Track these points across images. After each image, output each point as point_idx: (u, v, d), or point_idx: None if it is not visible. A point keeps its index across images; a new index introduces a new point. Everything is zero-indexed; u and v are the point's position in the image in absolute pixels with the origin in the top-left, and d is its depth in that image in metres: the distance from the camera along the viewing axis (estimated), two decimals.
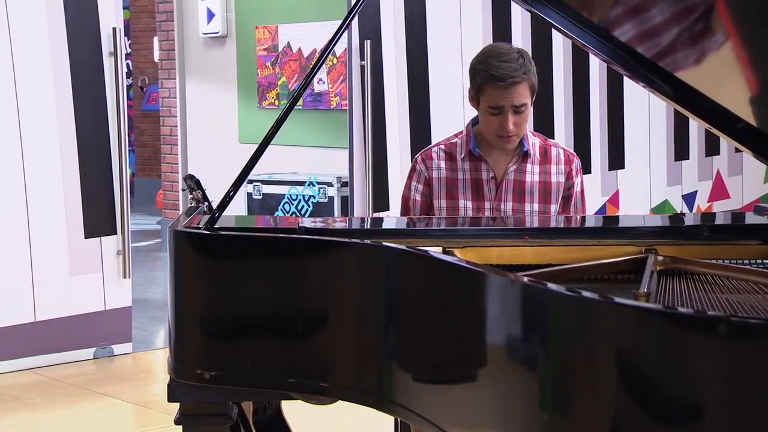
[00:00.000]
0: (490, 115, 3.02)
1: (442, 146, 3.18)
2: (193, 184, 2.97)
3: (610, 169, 6.87)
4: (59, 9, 5.04)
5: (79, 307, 5.19)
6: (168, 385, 2.36)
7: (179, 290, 2.34)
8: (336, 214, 6.61)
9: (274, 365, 2.24)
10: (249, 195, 7.03)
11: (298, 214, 6.80)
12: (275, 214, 6.87)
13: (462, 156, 3.12)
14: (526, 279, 1.82)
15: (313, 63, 2.55)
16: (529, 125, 6.24)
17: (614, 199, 6.90)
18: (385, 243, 2.15)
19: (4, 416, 4.45)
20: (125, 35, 12.04)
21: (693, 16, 2.41)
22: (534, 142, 3.15)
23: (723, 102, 2.52)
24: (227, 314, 2.29)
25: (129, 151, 12.17)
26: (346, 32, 5.65)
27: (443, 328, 1.98)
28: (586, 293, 1.69)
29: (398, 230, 2.71)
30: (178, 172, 8.35)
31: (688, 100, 2.55)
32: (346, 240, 2.23)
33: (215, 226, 2.38)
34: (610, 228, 2.78)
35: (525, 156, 3.11)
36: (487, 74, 2.98)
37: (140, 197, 11.85)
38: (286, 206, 6.87)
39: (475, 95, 3.05)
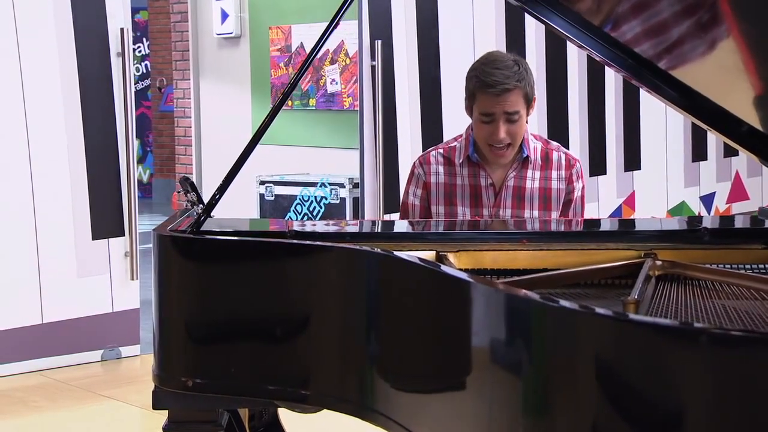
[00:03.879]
0: (482, 123, 2.96)
1: (441, 150, 3.13)
2: (188, 186, 2.94)
3: (625, 170, 6.79)
4: (67, 9, 5.02)
5: (87, 308, 5.17)
6: (153, 392, 2.33)
7: (163, 294, 2.30)
8: (348, 216, 6.57)
9: (255, 372, 2.20)
10: (261, 196, 7.00)
11: (310, 215, 6.76)
12: (287, 216, 6.84)
13: (460, 161, 3.07)
14: (508, 287, 1.77)
15: (302, 61, 2.50)
16: (543, 126, 6.22)
17: (630, 201, 6.82)
18: (365, 247, 2.10)
19: (9, 419, 4.43)
20: (144, 36, 12.07)
21: (697, 17, 2.36)
22: (535, 146, 3.08)
23: (726, 105, 2.46)
24: (209, 319, 2.26)
25: (147, 152, 12.24)
26: (357, 32, 5.63)
27: (424, 336, 1.93)
28: (566, 303, 1.63)
29: (392, 234, 2.66)
30: (192, 173, 8.34)
31: (692, 103, 2.49)
32: (327, 244, 2.18)
33: (201, 229, 2.34)
34: (609, 232, 2.72)
35: (525, 162, 3.05)
36: (479, 81, 2.93)
37: (158, 198, 11.87)
38: (298, 207, 6.83)
39: (468, 102, 3.00)
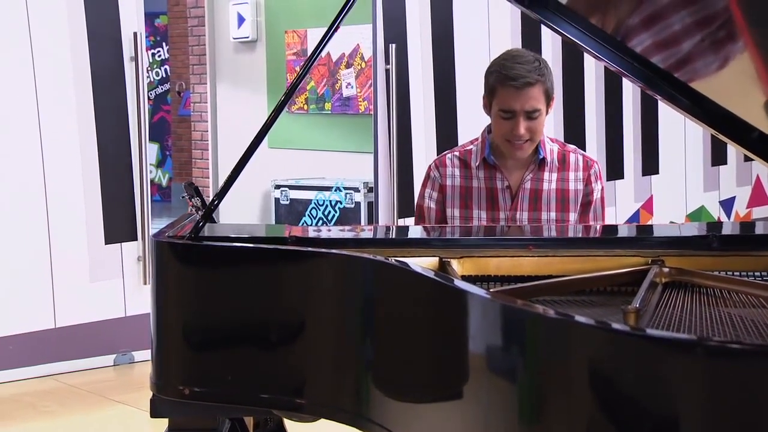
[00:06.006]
0: (501, 119, 2.92)
1: (457, 153, 3.09)
2: (192, 191, 2.92)
3: (643, 174, 6.72)
4: (80, 14, 5.01)
5: (100, 313, 5.15)
6: (150, 400, 2.31)
7: (160, 301, 2.28)
8: (362, 220, 6.54)
9: (252, 381, 2.17)
10: (276, 200, 6.98)
11: (324, 219, 6.74)
12: (302, 220, 6.82)
13: (477, 164, 3.03)
14: (503, 297, 1.73)
15: (304, 62, 2.46)
16: (559, 129, 6.15)
17: (648, 205, 6.75)
18: (360, 254, 2.07)
19: (19, 424, 4.42)
20: (164, 41, 12.08)
21: (708, 24, 2.32)
22: (552, 148, 3.04)
23: (737, 111, 2.42)
24: (206, 327, 2.23)
25: (167, 156, 12.25)
26: (371, 36, 5.60)
27: (420, 344, 1.90)
28: (559, 313, 1.59)
29: (395, 240, 2.62)
30: (209, 177, 8.33)
31: (704, 110, 2.45)
32: (321, 250, 2.14)
33: (201, 235, 2.31)
34: (616, 238, 2.67)
35: (542, 164, 3.01)
36: (500, 74, 2.89)
37: (177, 202, 11.88)
38: (313, 212, 6.81)
39: (488, 98, 2.96)
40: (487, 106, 2.98)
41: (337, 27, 2.39)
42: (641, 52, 2.44)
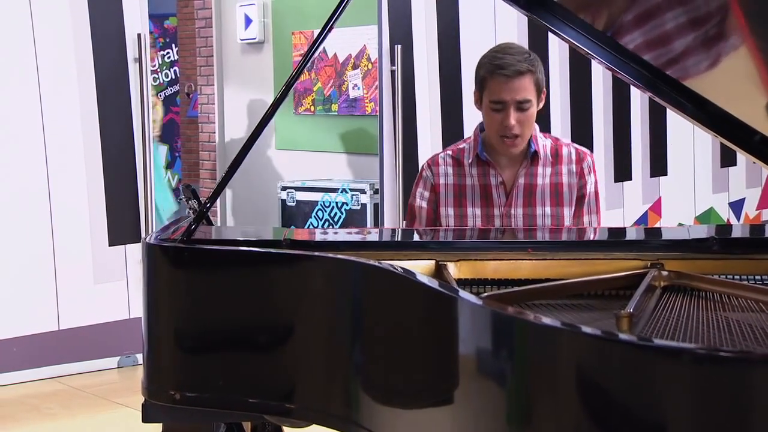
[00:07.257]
0: (492, 111, 2.91)
1: (450, 152, 3.08)
2: (190, 193, 2.91)
3: (652, 176, 6.67)
4: (84, 15, 5.01)
5: (103, 315, 5.14)
6: (142, 405, 2.29)
7: (152, 304, 2.26)
8: (368, 222, 6.51)
9: (243, 386, 2.14)
10: (283, 202, 6.96)
11: (331, 221, 6.71)
12: (308, 222, 6.80)
13: (469, 161, 3.01)
14: (492, 302, 1.70)
15: (300, 62, 2.44)
16: (566, 129, 6.10)
17: (656, 207, 6.70)
18: (349, 257, 2.04)
19: (23, 426, 4.41)
20: (173, 42, 12.07)
21: (707, 24, 2.29)
22: (545, 143, 3.03)
23: (738, 114, 2.38)
24: (197, 331, 2.21)
25: (176, 157, 12.25)
26: (377, 37, 5.57)
27: (410, 349, 1.87)
28: (547, 320, 1.56)
29: (392, 243, 2.59)
30: (215, 179, 8.30)
31: (706, 114, 2.42)
32: (311, 253, 2.12)
33: (193, 238, 2.29)
34: (616, 241, 2.64)
35: (534, 158, 2.99)
36: (490, 65, 2.89)
37: None
38: (320, 213, 6.78)
39: (479, 91, 2.95)
40: (478, 101, 2.98)
41: (332, 26, 2.37)
42: (634, 50, 2.41)
